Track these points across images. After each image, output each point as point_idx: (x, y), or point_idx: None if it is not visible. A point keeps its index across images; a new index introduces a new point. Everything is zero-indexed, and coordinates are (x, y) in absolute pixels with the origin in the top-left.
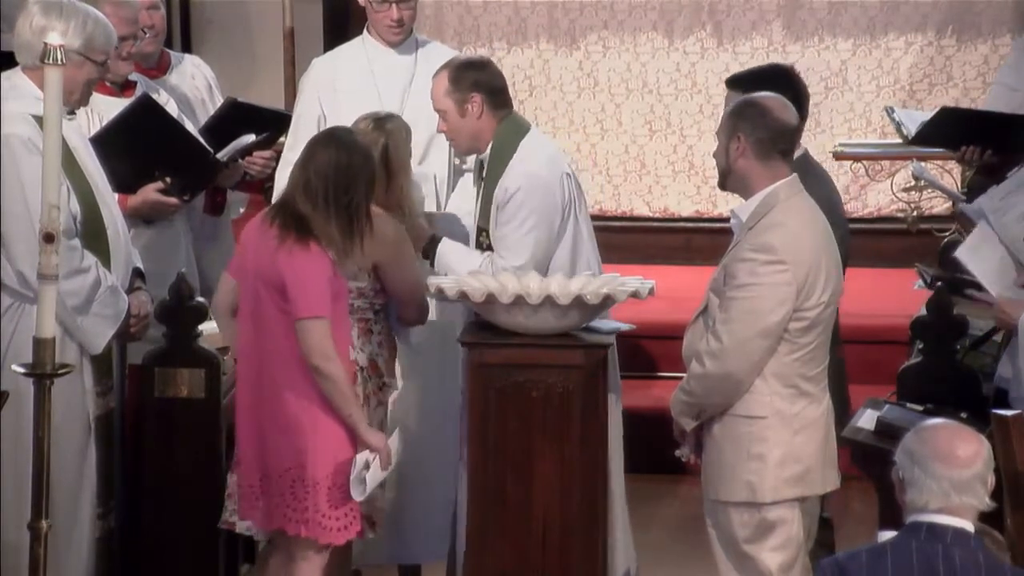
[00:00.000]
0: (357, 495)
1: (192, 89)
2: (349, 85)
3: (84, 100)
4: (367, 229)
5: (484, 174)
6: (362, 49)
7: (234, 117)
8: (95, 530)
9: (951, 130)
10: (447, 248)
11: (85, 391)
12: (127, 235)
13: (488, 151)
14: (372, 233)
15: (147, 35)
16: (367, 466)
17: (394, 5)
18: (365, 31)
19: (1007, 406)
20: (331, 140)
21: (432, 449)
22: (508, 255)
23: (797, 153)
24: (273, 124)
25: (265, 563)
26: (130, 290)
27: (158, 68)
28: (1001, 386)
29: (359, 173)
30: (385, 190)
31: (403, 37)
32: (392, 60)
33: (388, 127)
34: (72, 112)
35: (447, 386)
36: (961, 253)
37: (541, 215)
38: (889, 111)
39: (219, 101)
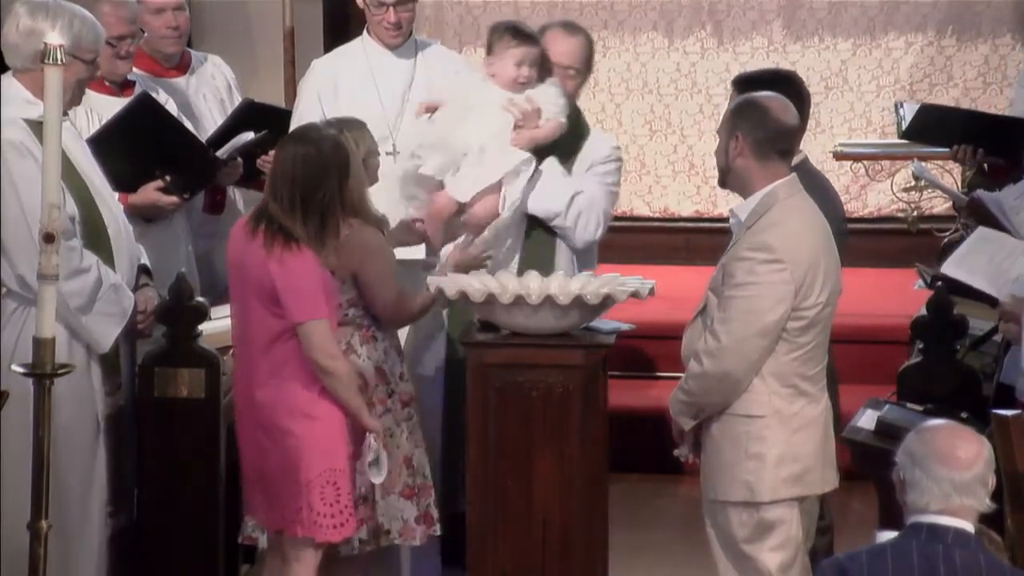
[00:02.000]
0: (377, 478)
1: (212, 89)
2: (349, 86)
3: (76, 100)
4: (342, 223)
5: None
6: (362, 50)
7: (251, 118)
8: (106, 529)
9: (938, 128)
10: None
11: (94, 391)
12: (130, 232)
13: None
14: (349, 237)
15: (170, 36)
16: (375, 450)
17: (391, 8)
18: (365, 32)
19: (1012, 403)
20: (296, 140)
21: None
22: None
23: (797, 159)
24: (286, 124)
25: (264, 563)
26: (136, 287)
27: (178, 68)
28: (1007, 382)
29: (328, 166)
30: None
31: (401, 40)
32: (392, 61)
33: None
34: (64, 113)
35: (425, 382)
36: (948, 268)
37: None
38: (898, 105)
39: (238, 101)
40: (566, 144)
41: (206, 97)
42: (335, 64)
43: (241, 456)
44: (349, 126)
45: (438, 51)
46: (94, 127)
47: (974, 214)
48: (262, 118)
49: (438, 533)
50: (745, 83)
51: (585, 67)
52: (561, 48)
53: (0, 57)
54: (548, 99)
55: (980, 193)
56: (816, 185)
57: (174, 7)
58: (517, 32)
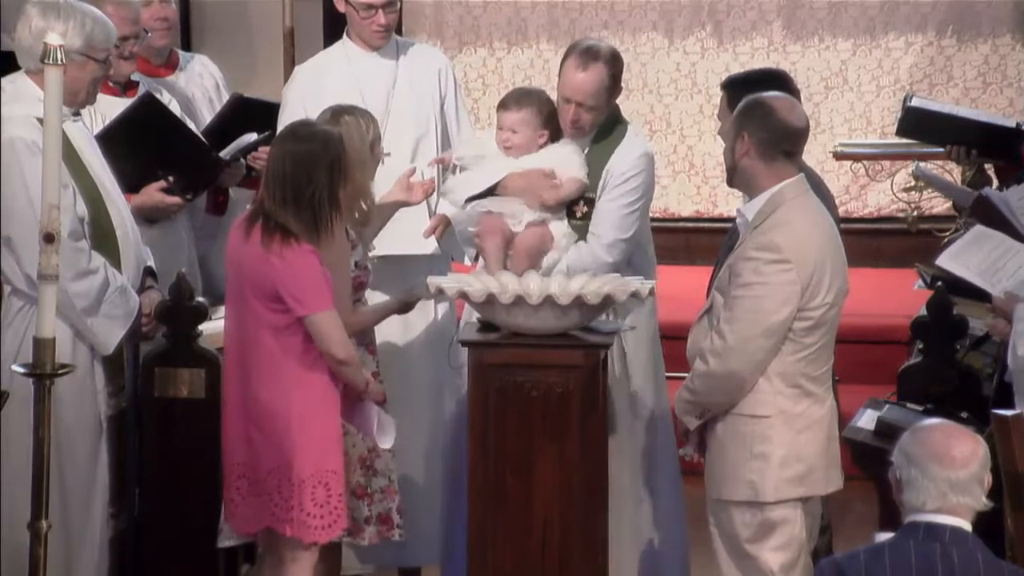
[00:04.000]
0: (387, 443)
1: (200, 88)
2: (334, 90)
3: (91, 99)
4: (336, 217)
5: (589, 148)
6: (343, 54)
7: (242, 114)
8: (108, 530)
9: (928, 129)
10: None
11: (96, 391)
12: (138, 234)
13: (595, 130)
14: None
15: (159, 28)
16: (378, 413)
17: (380, 11)
18: (345, 36)
19: (1013, 403)
20: (287, 137)
21: (430, 450)
22: (614, 231)
23: None
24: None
25: (263, 563)
26: (142, 289)
27: (167, 66)
28: (1010, 380)
29: (318, 162)
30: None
31: (387, 41)
32: (375, 64)
33: (345, 119)
34: (77, 113)
35: (441, 386)
36: (943, 261)
37: (648, 194)
38: (906, 98)
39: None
40: (593, 166)
41: (195, 96)
42: (318, 69)
43: (227, 454)
44: (359, 112)
45: (419, 50)
46: (98, 127)
47: (980, 213)
48: (252, 113)
49: (397, 539)
50: (735, 85)
51: (600, 101)
52: (571, 83)
53: (9, 57)
54: (563, 159)
55: (988, 192)
56: (811, 185)
57: None
58: (506, 98)
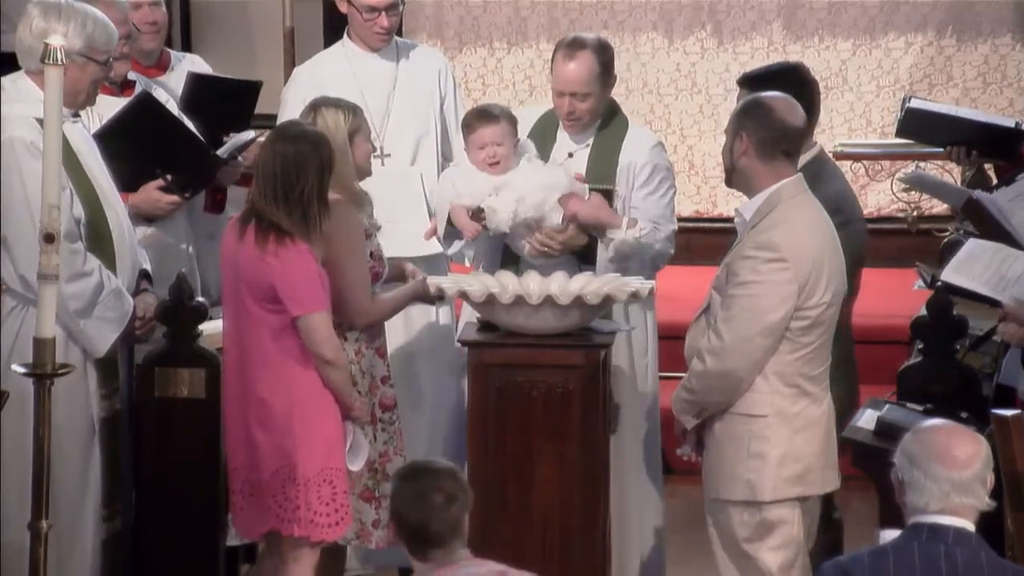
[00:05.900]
0: (356, 466)
1: None
2: (333, 91)
3: (91, 100)
4: (324, 215)
5: (594, 140)
6: (344, 55)
7: (206, 90)
8: (100, 532)
9: (927, 130)
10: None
11: (89, 393)
12: (134, 237)
13: (596, 123)
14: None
15: (148, 31)
16: (352, 435)
17: (383, 13)
18: (345, 36)
19: (1012, 404)
20: (277, 137)
21: (430, 451)
22: (668, 223)
23: (813, 151)
24: (246, 94)
25: (263, 563)
26: (137, 292)
27: (158, 67)
28: (1006, 383)
29: (307, 161)
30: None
31: (389, 43)
32: (375, 64)
33: (322, 110)
34: (77, 114)
35: (445, 386)
36: (948, 275)
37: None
38: (905, 99)
39: None
40: (602, 157)
41: None
42: (318, 71)
43: (230, 457)
44: (339, 103)
45: (418, 51)
46: (95, 127)
47: (971, 215)
48: (217, 89)
49: None
50: (751, 81)
51: (594, 89)
52: (561, 75)
53: (10, 57)
54: (527, 154)
55: (979, 194)
56: (833, 174)
57: (150, 2)
58: (475, 117)
